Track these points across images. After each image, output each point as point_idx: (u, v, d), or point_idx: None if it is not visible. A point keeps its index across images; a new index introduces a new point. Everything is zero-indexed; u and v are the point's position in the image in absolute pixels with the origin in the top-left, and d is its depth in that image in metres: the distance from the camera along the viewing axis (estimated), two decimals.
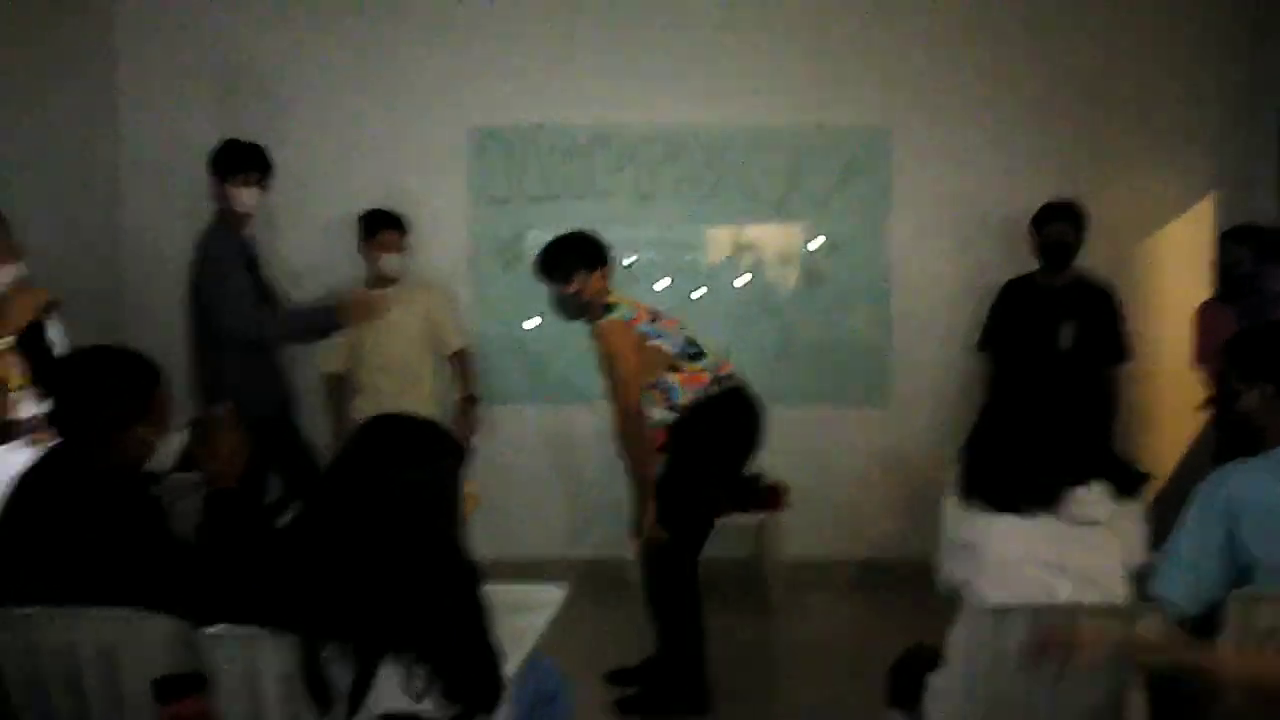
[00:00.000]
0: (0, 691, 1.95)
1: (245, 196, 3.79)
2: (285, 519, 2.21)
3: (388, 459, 1.80)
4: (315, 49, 4.72)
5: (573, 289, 3.45)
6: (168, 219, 4.53)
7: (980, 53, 4.69)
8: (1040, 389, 2.31)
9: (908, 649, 2.47)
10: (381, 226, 4.26)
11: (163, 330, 4.00)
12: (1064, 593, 2.06)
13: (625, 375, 3.33)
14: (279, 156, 4.19)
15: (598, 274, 3.46)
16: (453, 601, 1.75)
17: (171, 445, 2.23)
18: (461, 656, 1.74)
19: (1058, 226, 4.24)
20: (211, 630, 1.82)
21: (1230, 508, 2.08)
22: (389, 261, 4.26)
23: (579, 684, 2.39)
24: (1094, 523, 2.11)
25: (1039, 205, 4.34)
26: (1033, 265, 4.39)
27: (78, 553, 1.92)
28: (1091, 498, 2.11)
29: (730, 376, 3.48)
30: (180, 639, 1.88)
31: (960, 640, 2.07)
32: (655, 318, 3.47)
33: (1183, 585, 2.09)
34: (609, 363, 3.37)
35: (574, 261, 3.46)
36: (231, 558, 2.00)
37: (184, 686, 1.91)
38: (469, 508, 2.07)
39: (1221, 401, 3.90)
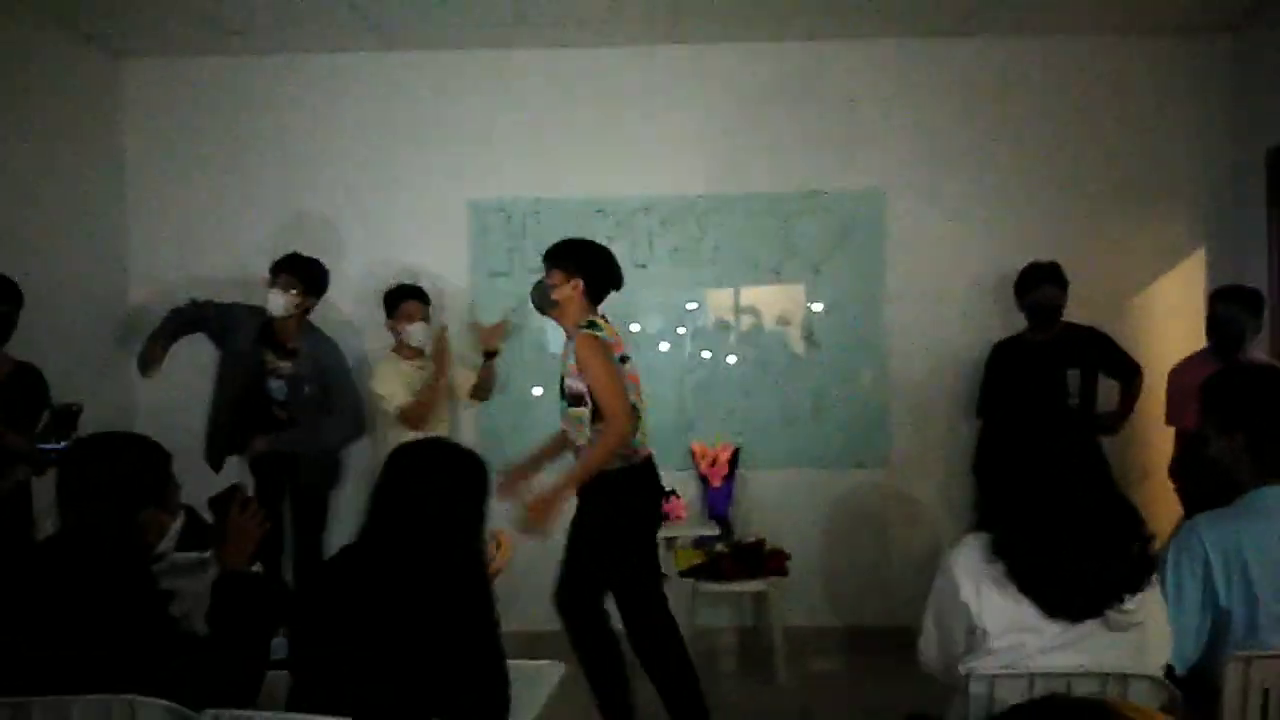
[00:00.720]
0: None
1: (271, 299, 4.18)
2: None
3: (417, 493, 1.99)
4: (314, 122, 4.85)
5: (558, 282, 3.44)
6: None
7: (969, 114, 4.79)
8: (1071, 458, 2.06)
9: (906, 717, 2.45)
10: (404, 298, 4.34)
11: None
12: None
13: (614, 382, 3.29)
14: (282, 227, 4.34)
15: (587, 288, 3.44)
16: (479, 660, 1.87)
17: (174, 525, 2.26)
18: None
19: (1047, 290, 4.31)
20: (211, 713, 1.82)
21: (1205, 558, 2.09)
22: (414, 333, 4.32)
23: None
24: (1136, 625, 1.95)
25: (1028, 261, 4.40)
26: (1021, 324, 4.44)
27: (79, 635, 1.93)
28: (1134, 602, 1.93)
29: (650, 458, 3.48)
30: None
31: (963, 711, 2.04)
32: (625, 360, 3.47)
33: (1190, 650, 2.10)
34: (597, 369, 3.29)
35: (580, 262, 3.45)
36: (241, 644, 2.02)
37: None
38: (503, 555, 2.13)
39: (1186, 452, 3.90)
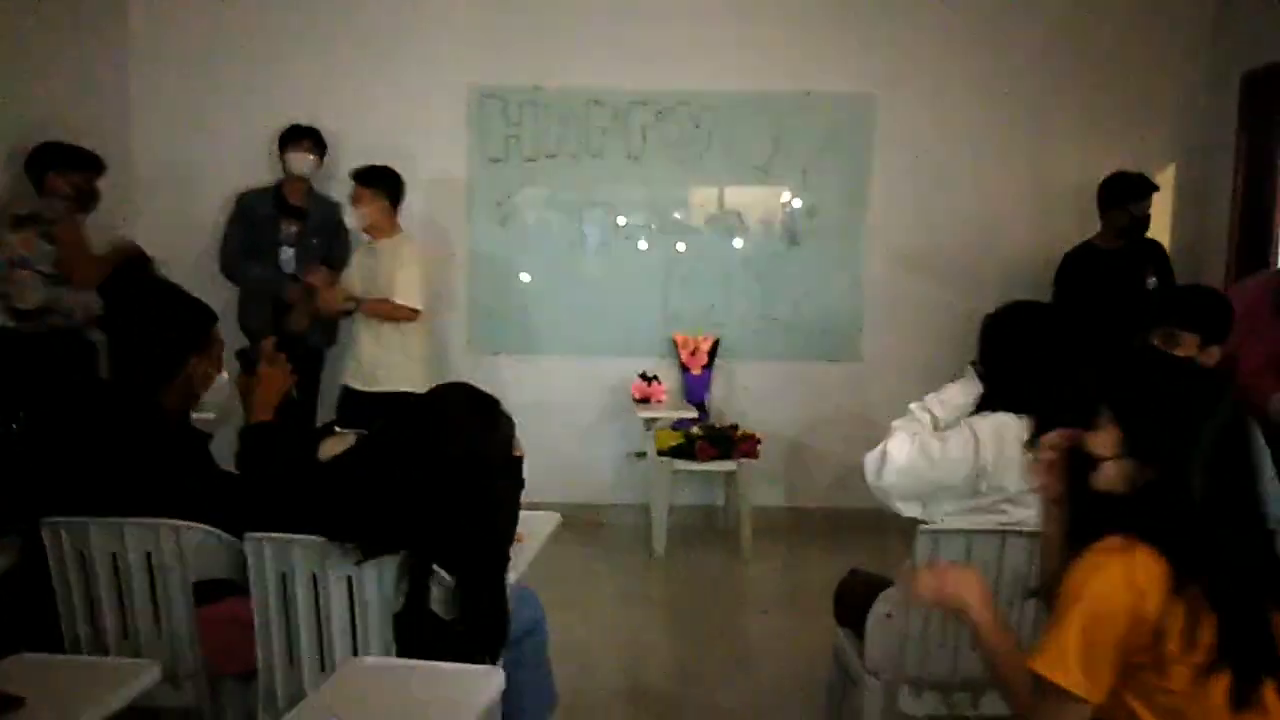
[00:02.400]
0: (53, 595, 2.17)
1: (294, 163, 4.59)
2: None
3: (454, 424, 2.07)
4: (319, 9, 4.88)
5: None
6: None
7: (959, 22, 4.90)
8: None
9: (847, 576, 2.73)
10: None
11: None
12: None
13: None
14: (284, 117, 4.44)
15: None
16: (488, 540, 2.02)
17: (221, 377, 2.45)
18: (485, 591, 2.00)
19: (1146, 204, 4.40)
20: (250, 536, 2.04)
21: None
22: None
23: (552, 613, 2.64)
24: None
25: (1007, 173, 4.58)
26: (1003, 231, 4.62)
27: (128, 471, 2.14)
28: None
29: None
30: (218, 546, 2.10)
31: (907, 566, 2.29)
32: None
33: None
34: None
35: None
36: (265, 485, 2.21)
37: (222, 590, 2.16)
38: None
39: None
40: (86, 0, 4.59)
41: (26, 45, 4.12)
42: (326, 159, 4.70)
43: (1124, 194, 4.44)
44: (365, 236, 4.45)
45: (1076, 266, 4.55)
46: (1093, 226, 4.75)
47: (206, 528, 2.10)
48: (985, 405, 2.32)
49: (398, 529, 1.95)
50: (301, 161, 4.58)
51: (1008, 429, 2.22)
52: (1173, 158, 4.98)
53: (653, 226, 5.04)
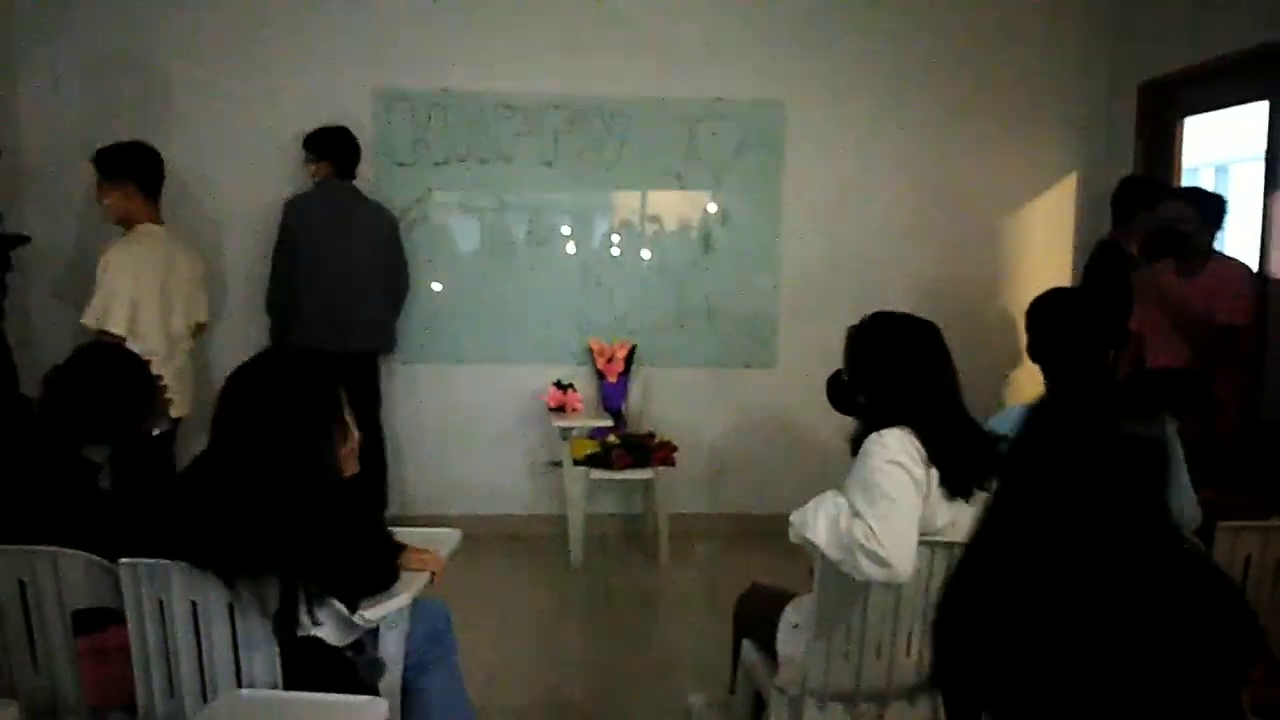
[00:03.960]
0: None
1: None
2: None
3: (257, 399, 1.99)
4: (222, 5, 4.73)
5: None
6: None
7: (866, 31, 4.96)
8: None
9: (748, 589, 2.73)
10: None
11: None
12: None
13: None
14: (187, 119, 4.28)
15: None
16: (326, 521, 1.93)
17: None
18: (344, 565, 1.96)
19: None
20: (124, 562, 1.93)
21: None
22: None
23: (466, 632, 2.58)
24: None
25: (913, 181, 4.70)
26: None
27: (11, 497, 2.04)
28: None
29: None
30: (97, 572, 2.00)
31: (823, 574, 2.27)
32: None
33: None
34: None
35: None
36: (141, 501, 2.13)
37: (102, 619, 2.05)
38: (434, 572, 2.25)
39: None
40: None
41: None
42: None
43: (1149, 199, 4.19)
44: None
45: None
46: (996, 234, 4.85)
47: (86, 554, 2.00)
48: (874, 422, 2.23)
49: (241, 544, 1.86)
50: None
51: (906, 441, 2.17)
52: (1074, 168, 5.11)
53: (567, 232, 4.99)
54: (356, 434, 2.12)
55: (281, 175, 4.64)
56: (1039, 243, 5.12)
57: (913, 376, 2.23)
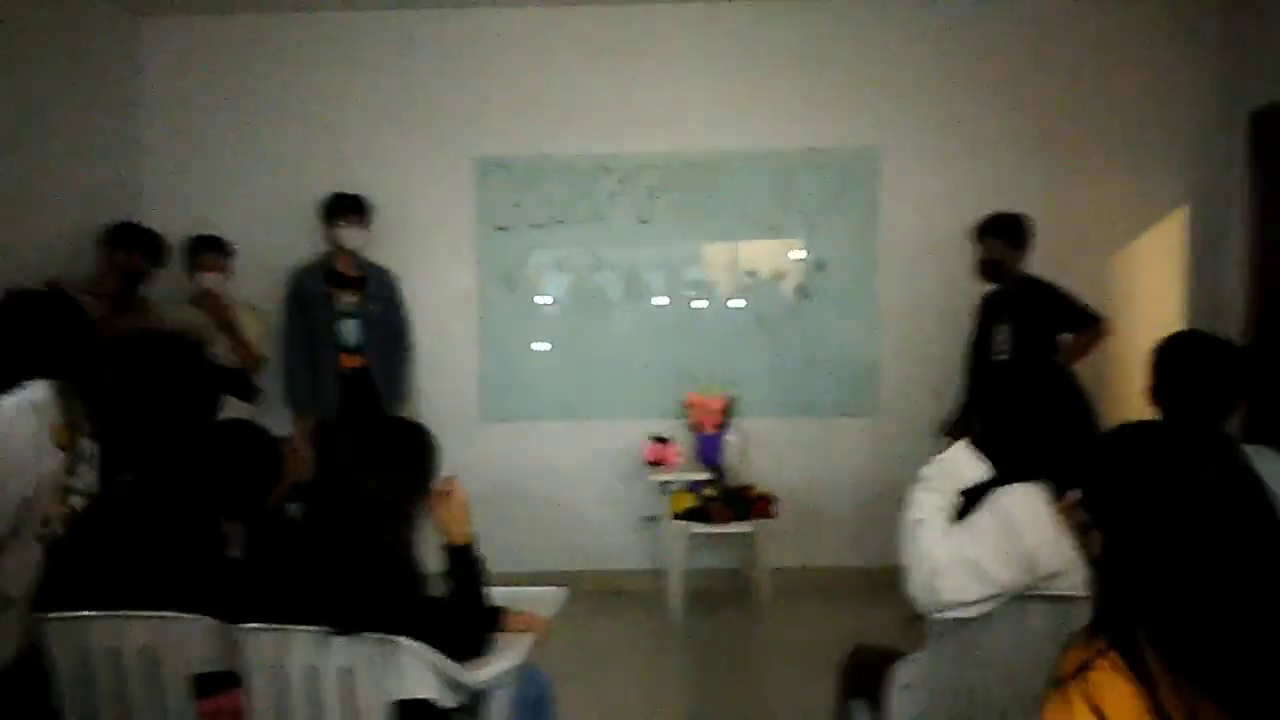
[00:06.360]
0: (51, 690, 2.14)
1: (347, 237, 4.50)
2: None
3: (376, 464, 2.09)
4: (328, 75, 4.97)
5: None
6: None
7: (961, 71, 4.92)
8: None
9: (854, 649, 2.66)
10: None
11: None
12: None
13: None
14: (293, 181, 4.47)
15: None
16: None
17: None
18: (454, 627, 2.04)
19: (987, 243, 4.28)
20: (245, 626, 2.00)
21: None
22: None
23: (568, 689, 2.58)
24: None
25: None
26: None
27: (142, 565, 2.13)
28: None
29: None
30: (219, 636, 2.07)
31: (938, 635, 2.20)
32: None
33: None
34: None
35: None
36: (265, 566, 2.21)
37: (220, 683, 2.12)
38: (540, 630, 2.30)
39: None
40: (97, 63, 4.68)
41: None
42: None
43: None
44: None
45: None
46: (1102, 272, 4.70)
47: (210, 619, 2.07)
48: (1001, 479, 2.16)
49: (372, 604, 1.94)
50: (355, 235, 4.50)
51: (1035, 501, 2.08)
52: (1183, 199, 4.93)
53: (662, 286, 5.04)
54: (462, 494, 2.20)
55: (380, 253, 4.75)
56: (1148, 279, 4.95)
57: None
